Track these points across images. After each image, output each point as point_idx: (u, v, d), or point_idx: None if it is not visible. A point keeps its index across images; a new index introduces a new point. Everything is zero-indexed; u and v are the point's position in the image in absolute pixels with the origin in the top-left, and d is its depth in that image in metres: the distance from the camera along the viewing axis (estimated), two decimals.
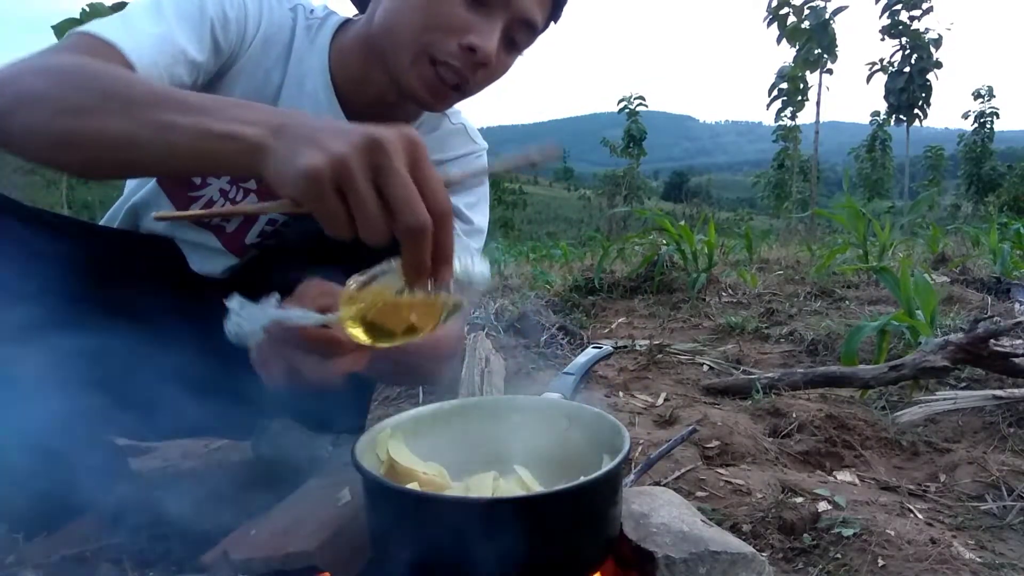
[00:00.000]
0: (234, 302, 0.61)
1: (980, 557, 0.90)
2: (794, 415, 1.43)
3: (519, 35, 0.86)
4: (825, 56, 15.65)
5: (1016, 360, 1.52)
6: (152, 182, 0.98)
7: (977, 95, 26.78)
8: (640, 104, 20.70)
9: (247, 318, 0.61)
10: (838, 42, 15.67)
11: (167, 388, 0.83)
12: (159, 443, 1.31)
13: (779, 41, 16.12)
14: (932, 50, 17.15)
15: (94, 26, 0.74)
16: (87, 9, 3.01)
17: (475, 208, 1.04)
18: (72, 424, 0.84)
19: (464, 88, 0.86)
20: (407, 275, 0.55)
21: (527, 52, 0.91)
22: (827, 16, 15.50)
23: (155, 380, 0.82)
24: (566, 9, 0.90)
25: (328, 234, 0.54)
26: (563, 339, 2.27)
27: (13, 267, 0.77)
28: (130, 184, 1.03)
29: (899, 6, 17.27)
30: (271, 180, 0.55)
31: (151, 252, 1.00)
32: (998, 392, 1.49)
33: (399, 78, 0.85)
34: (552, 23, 0.91)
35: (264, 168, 0.55)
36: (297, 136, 0.54)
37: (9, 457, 0.81)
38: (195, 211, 0.56)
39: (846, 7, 15.67)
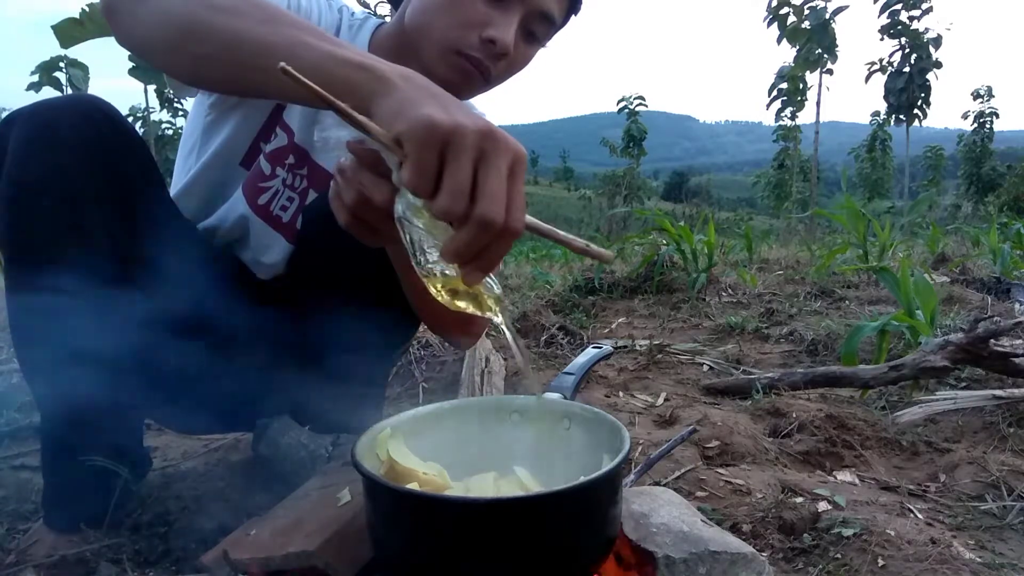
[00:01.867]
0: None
1: (980, 557, 0.90)
2: (794, 415, 1.43)
3: (537, 27, 0.93)
4: (825, 56, 15.64)
5: (1016, 360, 1.52)
6: (238, 191, 1.02)
7: (977, 95, 26.76)
8: (640, 104, 20.70)
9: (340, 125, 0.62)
10: (838, 42, 15.66)
11: (228, 383, 0.93)
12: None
13: (779, 41, 16.10)
14: (932, 50, 17.12)
15: None
16: (87, 9, 3.02)
17: None
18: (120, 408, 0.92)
19: (488, 77, 0.93)
20: (446, 254, 0.56)
21: (549, 44, 1.00)
22: (827, 16, 15.48)
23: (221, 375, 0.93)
24: (585, 2, 0.96)
25: (406, 186, 0.55)
26: (563, 339, 2.27)
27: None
28: (185, 181, 1.04)
29: (899, 6, 17.22)
30: (385, 114, 0.57)
31: (217, 253, 1.06)
32: (998, 392, 1.49)
33: (432, 69, 0.92)
34: (572, 15, 0.98)
35: (382, 101, 0.57)
36: (425, 89, 0.57)
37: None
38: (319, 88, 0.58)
39: (846, 7, 15.65)
